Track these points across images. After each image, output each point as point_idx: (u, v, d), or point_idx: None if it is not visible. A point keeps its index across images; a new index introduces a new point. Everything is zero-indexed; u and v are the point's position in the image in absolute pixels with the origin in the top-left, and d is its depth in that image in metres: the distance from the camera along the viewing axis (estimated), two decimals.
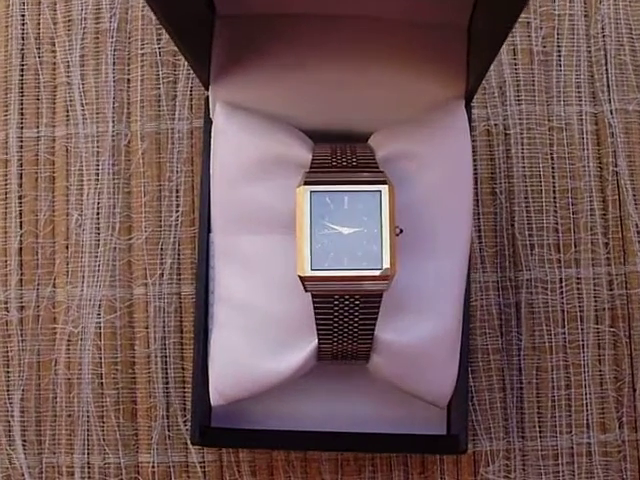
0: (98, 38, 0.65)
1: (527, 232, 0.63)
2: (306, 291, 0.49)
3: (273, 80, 0.55)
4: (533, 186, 0.64)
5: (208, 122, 0.57)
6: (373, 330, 0.51)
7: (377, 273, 0.48)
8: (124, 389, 0.62)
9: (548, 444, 0.62)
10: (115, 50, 0.65)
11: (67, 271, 0.63)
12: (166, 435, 0.62)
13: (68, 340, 0.63)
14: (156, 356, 0.62)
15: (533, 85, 0.65)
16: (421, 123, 0.54)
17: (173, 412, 0.62)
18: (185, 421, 0.62)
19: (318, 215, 0.49)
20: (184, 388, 0.62)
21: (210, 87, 0.56)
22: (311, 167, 0.51)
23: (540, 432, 0.62)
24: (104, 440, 0.62)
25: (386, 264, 0.48)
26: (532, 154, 0.64)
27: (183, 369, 0.62)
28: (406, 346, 0.52)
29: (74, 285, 0.63)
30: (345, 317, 0.50)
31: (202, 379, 0.56)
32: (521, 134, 0.64)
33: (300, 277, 0.49)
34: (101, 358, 0.62)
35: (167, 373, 0.62)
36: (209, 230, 0.57)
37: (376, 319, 0.50)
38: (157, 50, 0.65)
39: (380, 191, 0.49)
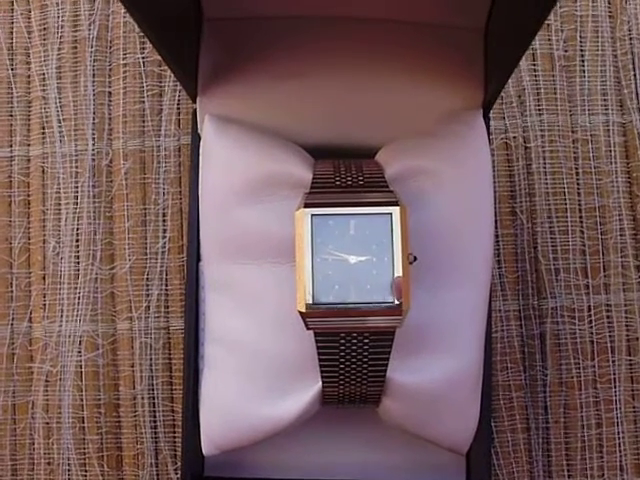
0: (76, 48, 0.62)
1: (551, 255, 0.59)
2: (308, 329, 0.44)
3: (268, 91, 0.51)
4: (557, 204, 0.60)
5: (197, 138, 0.53)
6: (385, 371, 0.45)
7: (389, 307, 0.43)
8: (108, 434, 0.58)
9: None
10: (95, 61, 0.61)
11: (44, 304, 0.59)
12: None
13: (46, 380, 0.59)
14: (143, 397, 0.58)
15: (555, 93, 0.61)
16: (435, 136, 0.49)
17: (162, 459, 0.58)
18: (176, 469, 0.58)
19: (320, 242, 0.44)
20: (174, 432, 0.58)
21: (198, 99, 0.51)
22: (312, 187, 0.46)
23: (569, 476, 0.58)
24: None
25: (398, 297, 0.43)
26: (555, 169, 0.60)
27: (173, 411, 0.58)
28: (422, 388, 0.47)
29: (52, 320, 0.59)
30: (353, 357, 0.45)
31: (193, 425, 0.50)
32: (542, 147, 0.60)
33: (300, 313, 0.44)
34: (82, 400, 0.58)
35: (155, 416, 0.58)
36: (198, 259, 0.51)
37: (388, 359, 0.45)
38: (141, 60, 0.61)
39: (391, 214, 0.44)
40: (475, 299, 0.48)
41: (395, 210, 0.44)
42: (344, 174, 0.46)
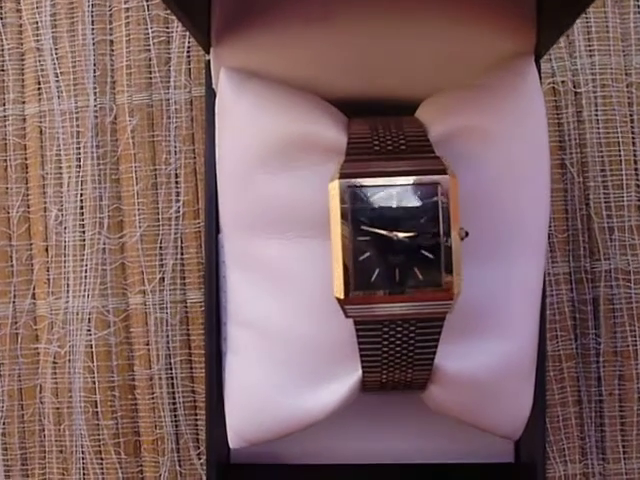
0: None
1: (605, 212, 0.55)
2: (347, 317, 0.40)
3: (292, 38, 0.46)
4: (611, 156, 0.55)
5: (211, 94, 0.48)
6: (432, 358, 0.41)
7: (438, 291, 0.39)
8: (124, 418, 0.56)
9: (634, 467, 0.55)
10: (93, 5, 0.57)
11: (48, 279, 0.57)
12: (177, 472, 0.55)
13: (54, 362, 0.56)
14: (160, 378, 0.56)
15: (607, 32, 0.56)
16: (483, 88, 0.45)
17: (184, 444, 0.55)
18: (199, 454, 0.55)
19: (359, 217, 0.39)
20: (196, 415, 0.55)
21: (211, 50, 0.47)
22: (347, 154, 0.41)
23: (624, 453, 0.55)
24: None
25: (449, 279, 0.39)
26: (608, 116, 0.55)
27: (194, 392, 0.56)
28: (474, 375, 0.43)
29: (57, 296, 0.56)
30: (397, 346, 0.41)
31: (217, 411, 0.47)
32: (594, 92, 0.56)
33: (338, 300, 0.39)
34: (94, 382, 0.56)
35: (175, 397, 0.56)
36: (217, 230, 0.47)
37: (436, 346, 0.41)
38: (144, 3, 0.57)
39: (439, 183, 0.39)
40: (531, 272, 0.45)
41: (444, 179, 0.40)
42: (383, 136, 0.42)
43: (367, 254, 0.39)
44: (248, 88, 0.45)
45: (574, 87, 0.56)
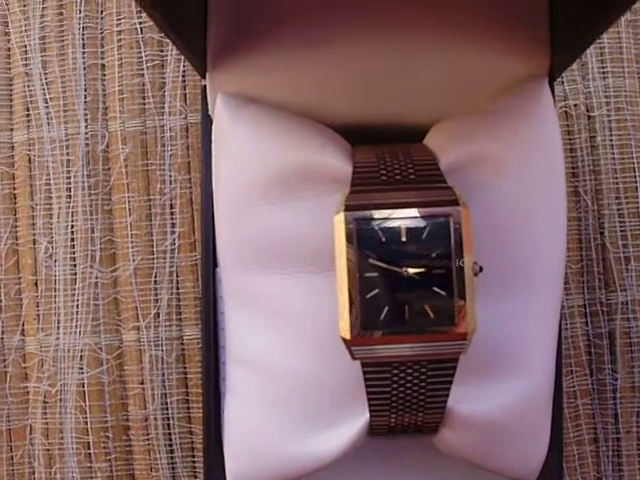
0: (62, 14, 0.57)
1: (620, 242, 0.54)
2: (354, 359, 0.38)
3: (293, 62, 0.44)
4: (626, 182, 0.54)
5: (207, 121, 0.47)
6: (445, 401, 0.39)
7: (452, 331, 0.37)
8: (118, 460, 0.54)
9: None
10: (84, 28, 0.56)
11: (38, 314, 0.55)
12: None
13: (44, 402, 0.55)
14: (156, 418, 0.54)
15: (621, 53, 0.55)
16: (495, 114, 0.43)
17: None
18: None
19: (366, 252, 0.37)
20: (193, 457, 0.54)
21: (207, 75, 0.45)
22: (353, 184, 0.39)
23: None
24: None
25: (463, 317, 0.37)
26: (623, 141, 0.54)
27: (191, 433, 0.54)
28: (487, 417, 0.41)
29: (47, 332, 0.55)
30: (408, 389, 0.38)
31: (216, 455, 0.45)
32: (608, 116, 0.55)
33: (344, 341, 0.37)
34: (87, 423, 0.54)
35: (171, 439, 0.54)
36: (215, 263, 0.46)
37: (449, 389, 0.39)
38: (138, 26, 0.56)
39: (451, 215, 0.37)
40: (548, 306, 0.43)
41: (456, 211, 0.38)
42: (390, 165, 0.40)
43: (375, 291, 0.37)
44: (246, 114, 0.44)
45: (587, 111, 0.55)
